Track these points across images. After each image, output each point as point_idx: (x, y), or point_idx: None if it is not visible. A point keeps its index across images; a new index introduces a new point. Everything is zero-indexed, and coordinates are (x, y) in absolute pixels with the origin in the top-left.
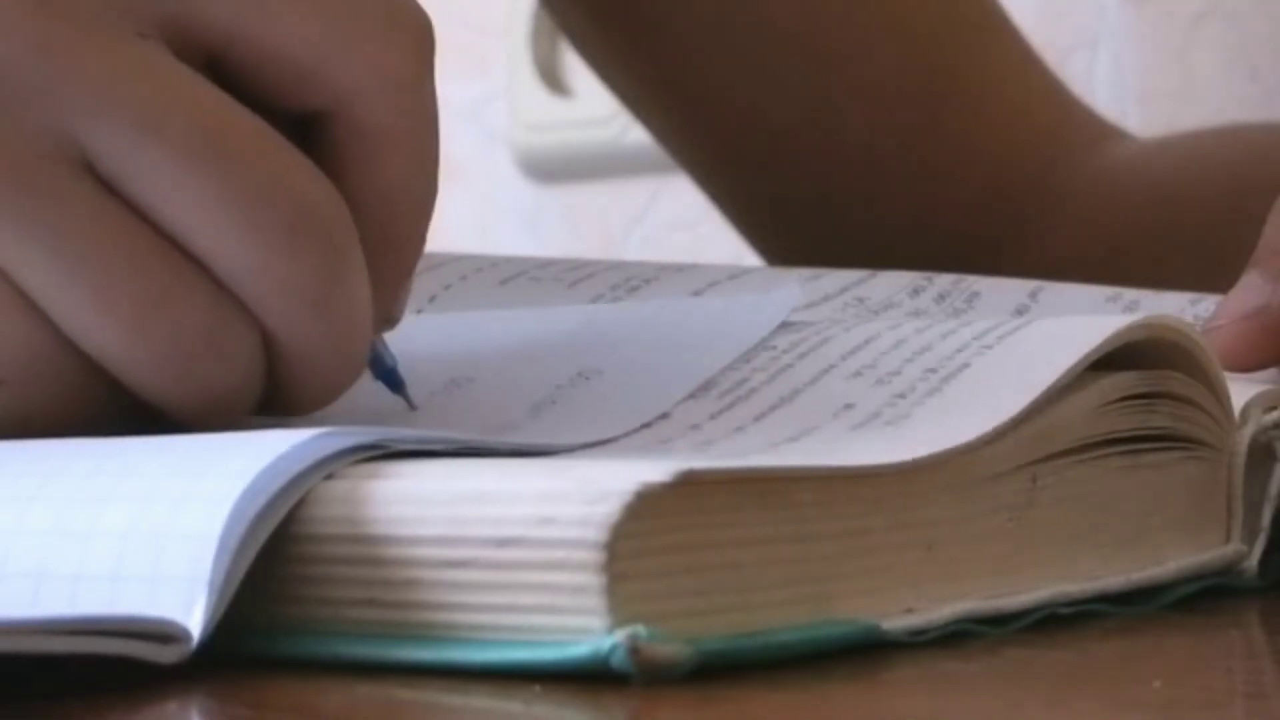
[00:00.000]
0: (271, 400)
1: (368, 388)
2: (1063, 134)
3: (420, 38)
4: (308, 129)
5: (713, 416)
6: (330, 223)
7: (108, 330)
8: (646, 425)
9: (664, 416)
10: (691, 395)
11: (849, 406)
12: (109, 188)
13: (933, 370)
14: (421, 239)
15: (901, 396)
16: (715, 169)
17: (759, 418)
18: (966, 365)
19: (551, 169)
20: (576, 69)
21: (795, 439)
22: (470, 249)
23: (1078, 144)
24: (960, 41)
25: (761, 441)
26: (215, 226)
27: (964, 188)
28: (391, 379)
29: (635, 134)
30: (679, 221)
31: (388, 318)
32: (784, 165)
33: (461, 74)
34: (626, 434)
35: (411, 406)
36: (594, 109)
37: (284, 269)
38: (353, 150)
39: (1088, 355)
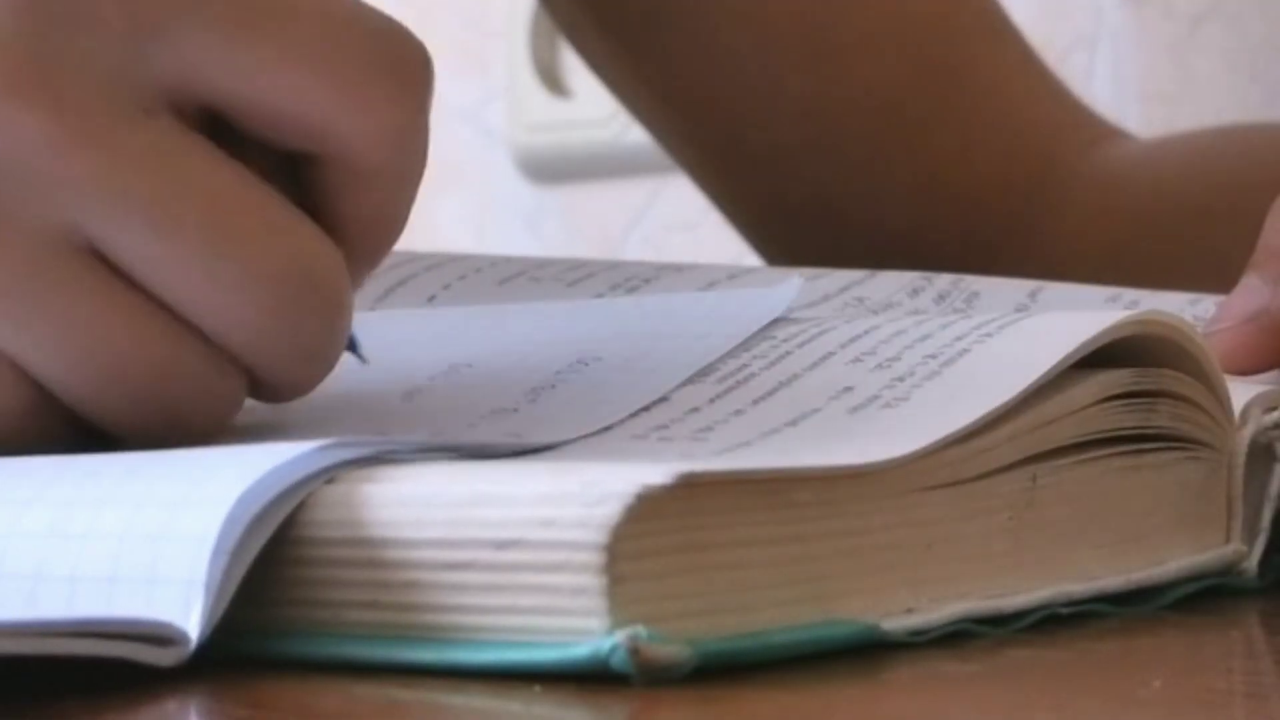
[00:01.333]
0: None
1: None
2: (1063, 134)
3: (423, 82)
4: (298, 164)
5: (712, 401)
6: (332, 286)
7: (109, 403)
8: (645, 409)
9: (663, 400)
10: (690, 380)
11: (848, 389)
12: (110, 263)
13: (932, 356)
14: (391, 247)
15: (900, 380)
16: (715, 169)
17: (758, 401)
18: (966, 351)
19: (551, 169)
20: (576, 69)
21: (794, 422)
22: (470, 249)
23: (1078, 144)
24: (960, 42)
25: (760, 426)
26: (224, 306)
27: (964, 188)
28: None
29: (635, 134)
30: (679, 222)
31: None
32: (784, 165)
33: (461, 74)
34: (625, 419)
35: (363, 361)
36: (593, 109)
37: (288, 336)
38: (340, 189)
39: (1088, 342)
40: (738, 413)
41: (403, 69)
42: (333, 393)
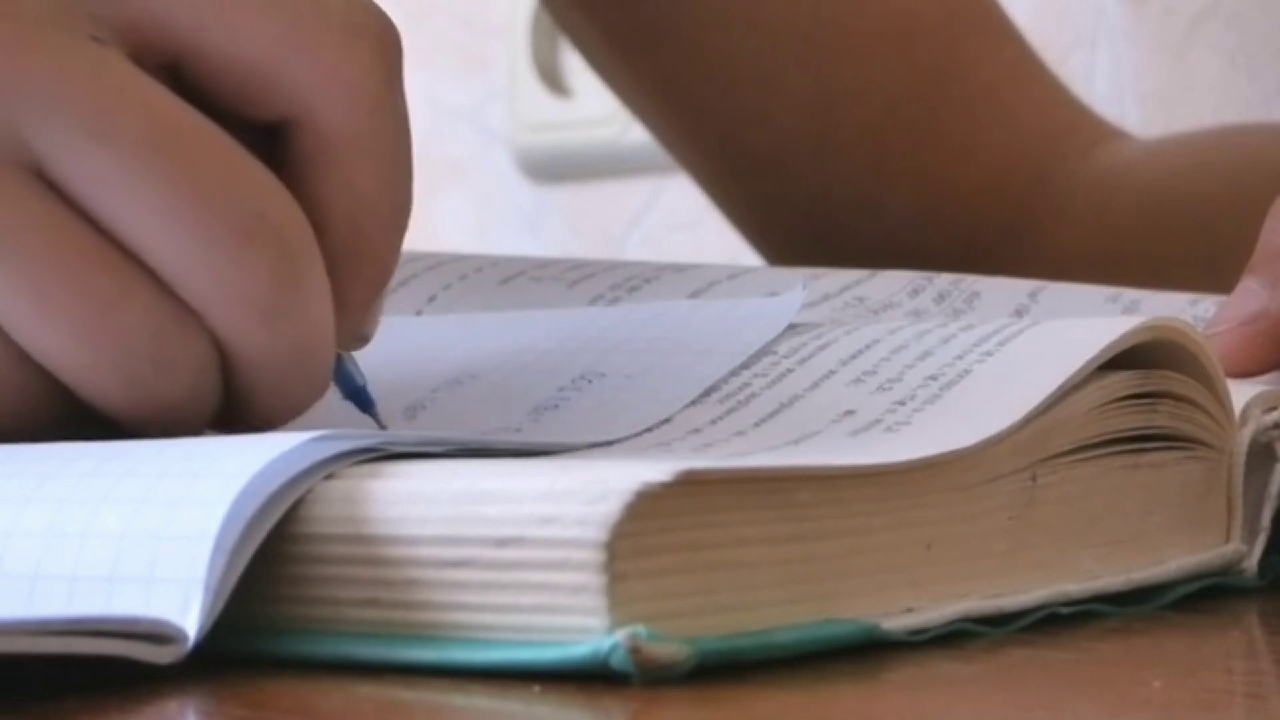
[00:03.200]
0: (231, 414)
1: (343, 405)
2: (1063, 134)
3: (382, 44)
4: (275, 140)
5: (713, 421)
6: (284, 230)
7: (53, 336)
8: (648, 429)
9: (665, 421)
10: (693, 401)
11: (849, 413)
12: (58, 192)
13: (933, 378)
14: (394, 253)
15: (901, 404)
16: (715, 168)
17: (759, 423)
18: (967, 372)
19: (551, 169)
20: (576, 69)
21: (795, 443)
22: (470, 249)
23: (1078, 144)
24: (960, 42)
25: (761, 446)
26: (164, 233)
27: (964, 188)
28: (360, 398)
29: (635, 134)
30: (679, 222)
31: (357, 335)
32: (785, 165)
33: (461, 74)
34: (627, 438)
35: (381, 426)
36: (593, 109)
37: (234, 277)
38: (316, 159)
39: (1090, 363)
40: (739, 434)
41: (368, 34)
42: (332, 408)
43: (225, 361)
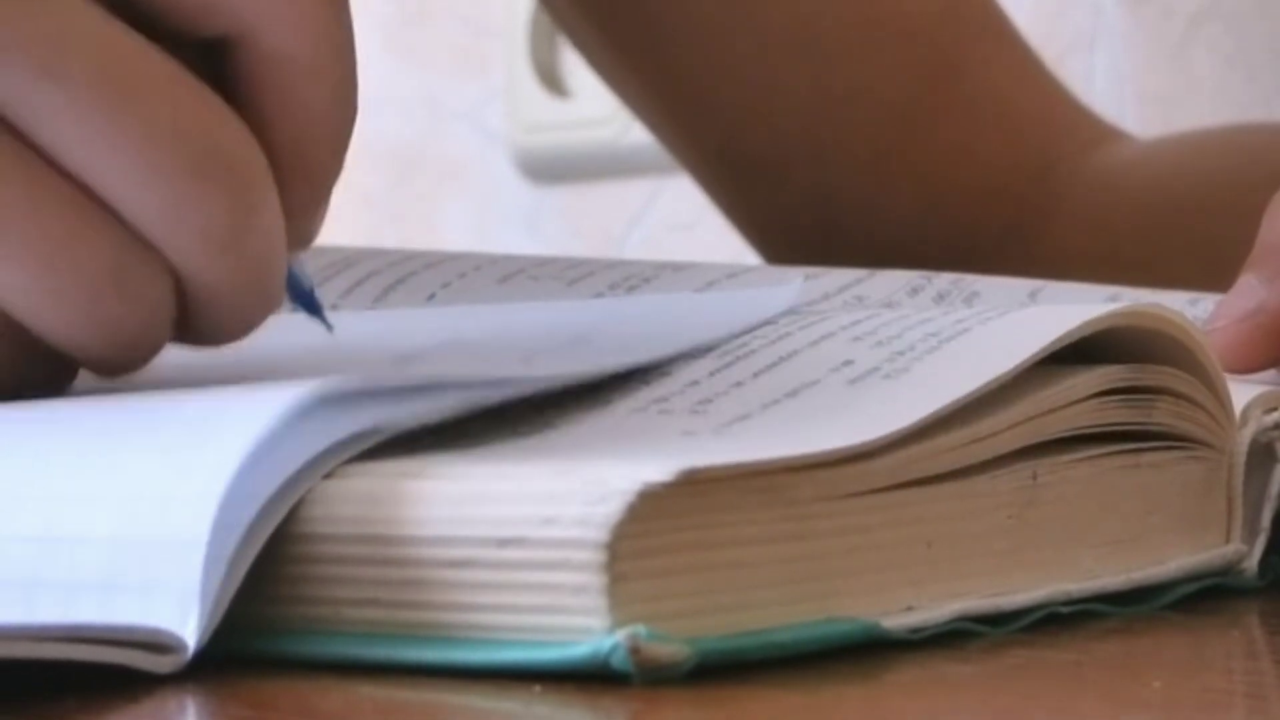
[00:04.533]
0: (184, 331)
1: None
2: (1063, 134)
3: None
4: (220, 61)
5: (711, 374)
6: (240, 162)
7: (9, 272)
8: (645, 384)
9: (662, 375)
10: (690, 356)
11: (848, 363)
12: (11, 129)
13: (933, 334)
14: (339, 162)
15: (900, 354)
16: (715, 169)
17: (758, 374)
18: (967, 330)
19: (551, 169)
20: (576, 69)
21: (793, 393)
22: (469, 249)
23: (1077, 144)
24: (960, 42)
25: (760, 398)
26: (120, 169)
27: (964, 188)
28: (308, 302)
29: (634, 134)
30: (678, 222)
31: (302, 238)
32: (784, 164)
33: (461, 74)
34: (624, 393)
35: (329, 328)
36: (593, 109)
37: (192, 211)
38: (260, 78)
39: (1091, 322)
40: (737, 385)
41: None
42: (321, 363)
43: (181, 289)
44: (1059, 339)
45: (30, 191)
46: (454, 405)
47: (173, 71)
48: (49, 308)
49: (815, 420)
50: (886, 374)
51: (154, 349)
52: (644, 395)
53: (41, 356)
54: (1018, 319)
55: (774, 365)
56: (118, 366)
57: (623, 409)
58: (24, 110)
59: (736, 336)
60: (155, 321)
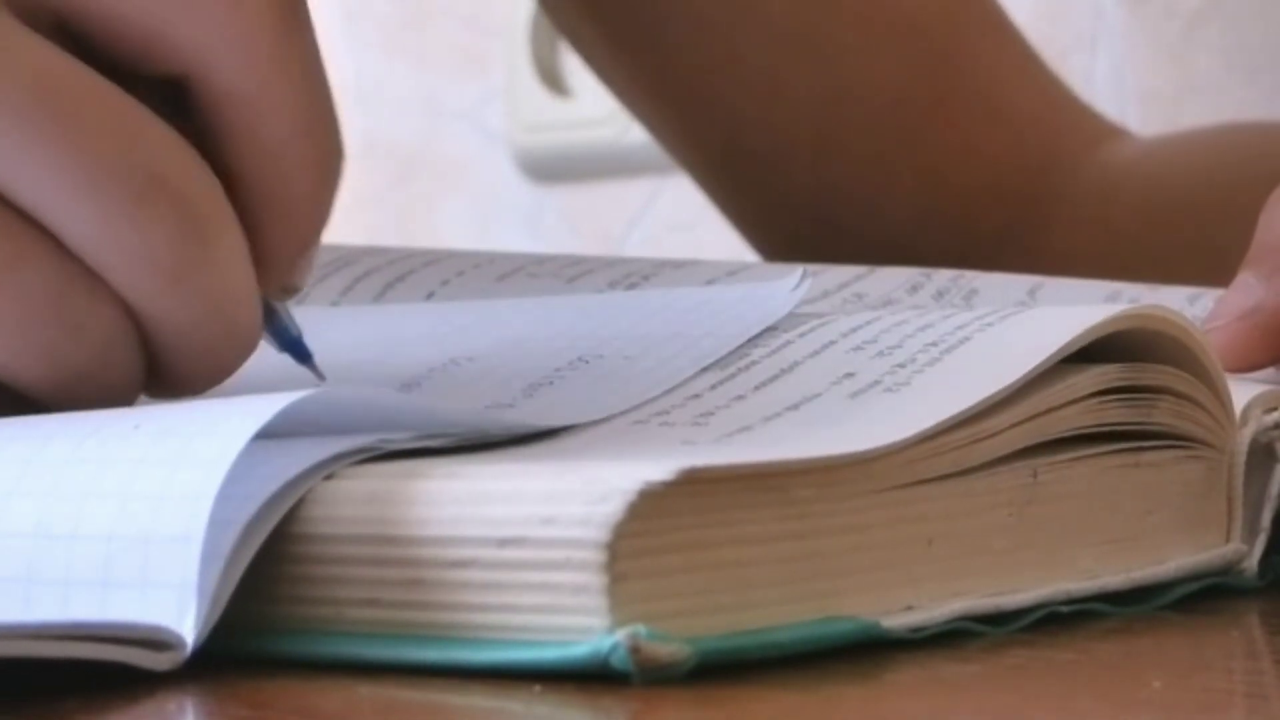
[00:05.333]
0: (157, 381)
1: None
2: (1064, 132)
3: (289, 5)
4: (181, 96)
5: (713, 387)
6: (186, 189)
7: None
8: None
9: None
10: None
11: (849, 375)
12: None
13: (933, 344)
14: (322, 204)
15: (901, 366)
16: (715, 167)
17: (759, 387)
18: (967, 339)
19: (551, 169)
20: (576, 69)
21: (795, 406)
22: (470, 248)
23: (1078, 143)
24: (960, 39)
25: (761, 411)
26: (59, 195)
27: (965, 185)
28: (298, 349)
29: (634, 134)
30: (678, 221)
31: (285, 287)
32: (784, 163)
33: (461, 74)
34: (623, 412)
35: (319, 377)
36: (593, 109)
37: (133, 239)
38: (217, 116)
39: (1092, 329)
40: (739, 398)
41: None
42: (327, 384)
43: (140, 327)
44: (1059, 351)
45: None
46: (447, 441)
47: (114, 97)
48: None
49: (816, 430)
50: (888, 387)
51: (122, 388)
52: (645, 408)
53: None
54: (1017, 325)
55: (775, 378)
56: (70, 401)
57: (624, 421)
58: None
59: (740, 348)
60: (110, 357)
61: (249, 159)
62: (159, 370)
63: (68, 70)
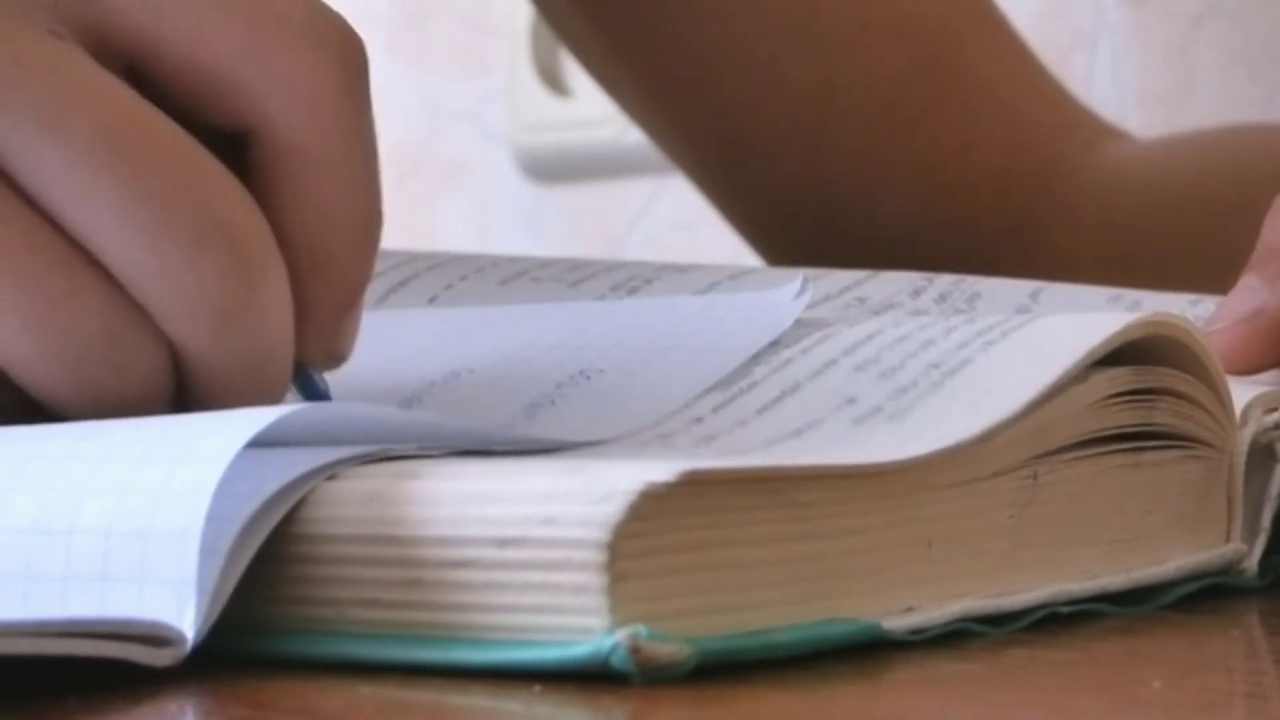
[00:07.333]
0: (179, 408)
1: None
2: (1063, 133)
3: (344, 55)
4: (242, 149)
5: (715, 410)
6: (242, 234)
7: (2, 327)
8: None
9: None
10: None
11: (851, 400)
12: (11, 185)
13: (935, 365)
14: (362, 269)
15: (904, 391)
16: (713, 165)
17: (761, 411)
18: (969, 361)
19: (551, 169)
20: (576, 69)
21: (798, 433)
22: (470, 249)
23: (1077, 144)
24: (958, 38)
25: (764, 435)
26: (117, 231)
27: (962, 184)
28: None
29: (635, 134)
30: (678, 221)
31: (329, 352)
32: (782, 159)
33: (461, 74)
34: (625, 435)
35: (325, 395)
36: (593, 109)
37: (186, 279)
38: (275, 170)
39: (1090, 353)
40: (741, 423)
41: (329, 44)
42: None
43: (178, 363)
44: (1061, 376)
45: (27, 245)
46: (446, 452)
47: (179, 138)
48: (38, 366)
49: (819, 454)
50: (890, 414)
51: (141, 413)
52: (648, 431)
53: (22, 403)
54: (1020, 343)
55: (778, 400)
56: (95, 418)
57: (628, 442)
58: (24, 164)
59: (743, 365)
60: (146, 392)
61: (300, 214)
62: (184, 403)
63: (136, 108)
